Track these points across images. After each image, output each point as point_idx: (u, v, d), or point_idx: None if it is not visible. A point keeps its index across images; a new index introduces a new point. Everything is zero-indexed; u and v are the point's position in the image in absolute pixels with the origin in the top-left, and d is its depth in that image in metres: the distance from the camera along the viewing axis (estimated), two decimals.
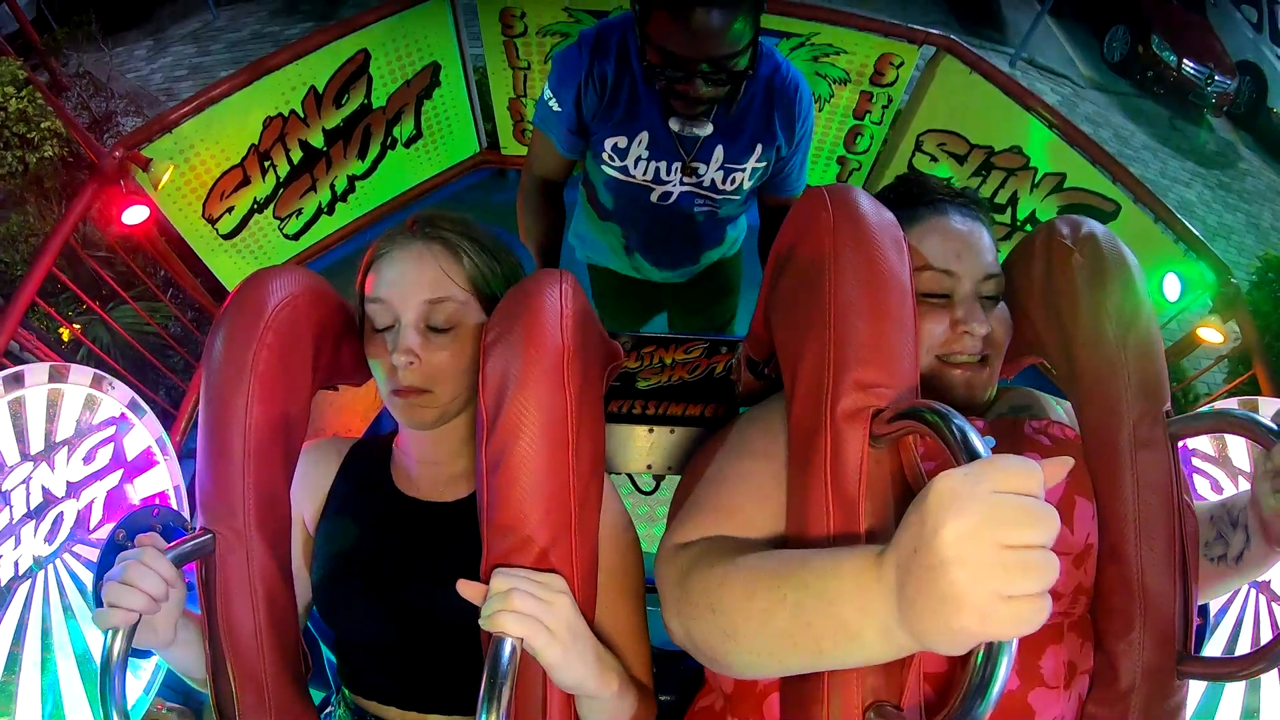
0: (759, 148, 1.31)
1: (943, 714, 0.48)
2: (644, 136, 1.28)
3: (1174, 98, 6.96)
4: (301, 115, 2.40)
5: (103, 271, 2.25)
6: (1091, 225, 0.80)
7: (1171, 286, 2.34)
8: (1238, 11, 7.72)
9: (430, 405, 0.81)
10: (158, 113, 2.24)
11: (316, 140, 2.50)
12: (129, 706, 0.70)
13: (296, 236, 2.66)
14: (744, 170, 1.34)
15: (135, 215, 2.01)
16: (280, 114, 2.35)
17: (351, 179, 2.70)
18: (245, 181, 2.38)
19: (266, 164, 2.40)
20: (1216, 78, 6.91)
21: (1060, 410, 0.88)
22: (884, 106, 2.72)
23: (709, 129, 1.22)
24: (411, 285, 0.80)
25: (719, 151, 1.30)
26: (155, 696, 1.23)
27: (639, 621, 0.83)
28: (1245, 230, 5.86)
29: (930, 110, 2.66)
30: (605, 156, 1.33)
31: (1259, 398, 1.33)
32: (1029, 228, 2.60)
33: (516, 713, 0.69)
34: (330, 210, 2.71)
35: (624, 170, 1.34)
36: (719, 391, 1.18)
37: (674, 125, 1.22)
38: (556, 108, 1.30)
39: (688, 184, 1.34)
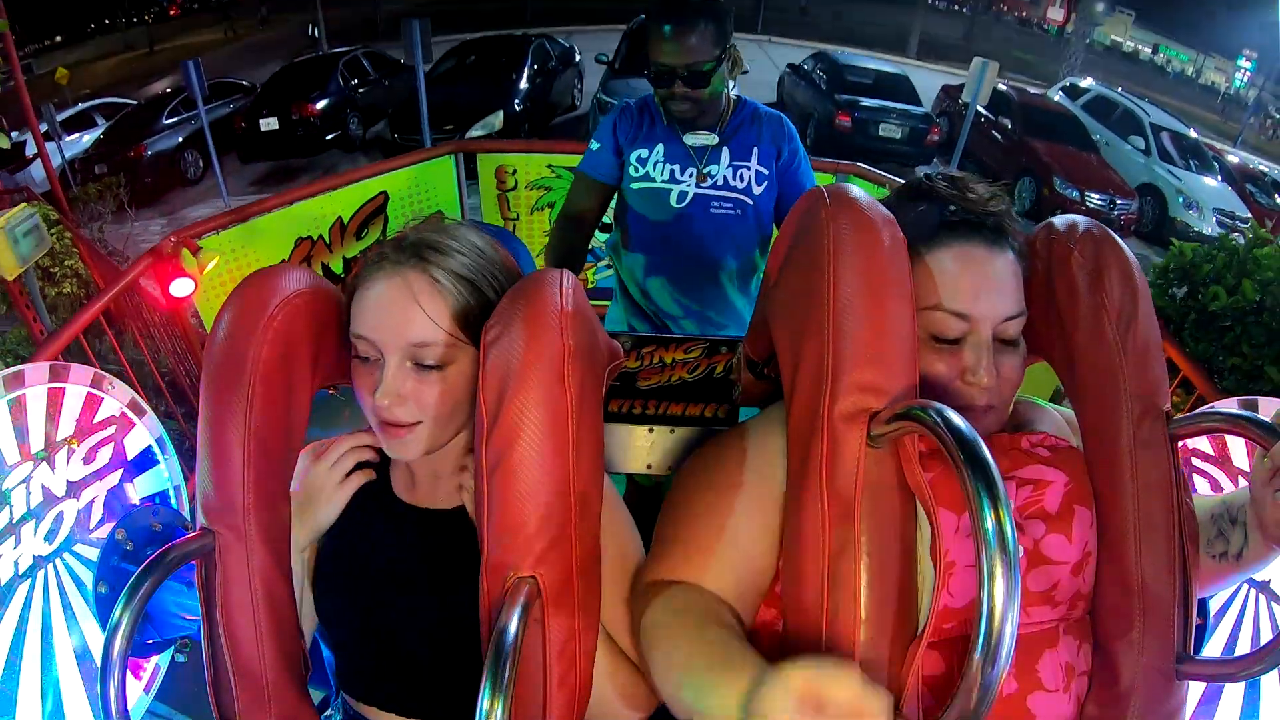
0: (756, 150, 1.69)
1: (941, 715, 0.48)
2: (660, 148, 1.69)
3: None
4: (328, 241, 2.71)
5: (148, 359, 2.47)
6: (1090, 224, 0.79)
7: None
8: (1126, 143, 9.08)
9: (417, 440, 0.78)
10: None
11: (337, 266, 2.80)
12: (129, 706, 0.70)
13: None
14: (749, 168, 1.69)
15: (182, 288, 2.25)
16: (310, 237, 2.68)
17: None
18: None
19: None
20: (1119, 202, 7.83)
21: (1060, 418, 0.87)
22: None
23: (714, 139, 1.64)
24: (394, 327, 0.75)
25: (725, 154, 1.68)
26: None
27: None
28: None
29: None
30: (632, 169, 1.70)
31: (1259, 398, 1.32)
32: None
33: (516, 713, 0.69)
34: None
35: (646, 177, 1.69)
36: (719, 391, 1.18)
37: (688, 140, 1.64)
38: (596, 145, 1.72)
39: (702, 188, 1.69)
